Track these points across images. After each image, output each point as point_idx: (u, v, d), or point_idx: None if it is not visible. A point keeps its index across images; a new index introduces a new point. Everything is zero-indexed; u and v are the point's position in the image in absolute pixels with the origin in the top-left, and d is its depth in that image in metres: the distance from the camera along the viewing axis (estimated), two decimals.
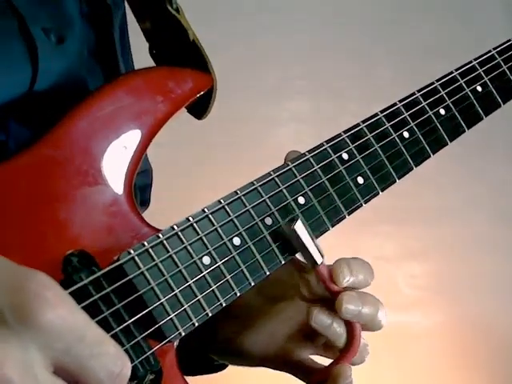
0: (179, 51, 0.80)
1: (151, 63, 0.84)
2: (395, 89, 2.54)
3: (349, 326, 0.78)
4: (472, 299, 2.43)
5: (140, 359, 0.64)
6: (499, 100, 0.96)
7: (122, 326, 0.63)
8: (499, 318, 2.44)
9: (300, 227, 0.73)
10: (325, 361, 0.82)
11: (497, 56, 0.98)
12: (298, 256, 0.76)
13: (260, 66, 2.26)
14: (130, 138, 0.71)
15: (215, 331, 0.86)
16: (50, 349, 0.49)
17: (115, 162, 0.70)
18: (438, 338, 2.42)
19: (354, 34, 2.36)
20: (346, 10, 2.38)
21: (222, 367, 0.92)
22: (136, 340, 0.64)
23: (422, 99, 0.89)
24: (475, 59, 0.96)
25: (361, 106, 2.31)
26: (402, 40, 2.40)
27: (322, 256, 0.75)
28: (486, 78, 0.95)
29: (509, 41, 1.01)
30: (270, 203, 0.74)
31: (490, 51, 0.98)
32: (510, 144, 2.29)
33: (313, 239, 0.74)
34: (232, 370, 0.92)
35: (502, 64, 0.98)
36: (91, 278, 0.63)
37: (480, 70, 0.95)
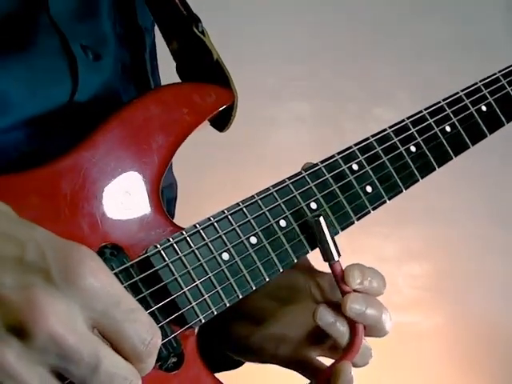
0: (204, 69, 0.88)
1: (177, 81, 0.91)
2: (395, 89, 2.58)
3: (352, 326, 0.83)
4: (472, 299, 2.45)
5: (164, 341, 0.71)
6: (503, 119, 1.02)
7: (148, 311, 0.70)
8: (500, 318, 2.46)
9: (323, 222, 0.81)
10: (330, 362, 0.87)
11: (502, 78, 1.04)
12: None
13: (260, 66, 2.30)
14: (158, 145, 0.79)
15: (231, 330, 0.92)
16: (90, 309, 0.56)
17: (145, 166, 0.77)
18: (438, 338, 2.45)
19: (354, 35, 2.40)
20: (346, 10, 2.41)
21: (239, 364, 0.98)
22: (160, 324, 0.71)
23: (429, 117, 0.95)
24: (480, 81, 1.02)
25: (361, 106, 2.34)
26: (402, 40, 2.43)
27: (339, 254, 0.82)
28: (490, 99, 1.01)
29: None
30: (284, 207, 0.81)
31: (495, 74, 1.04)
32: (508, 145, 2.31)
33: (333, 237, 0.82)
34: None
35: (507, 86, 1.04)
36: (121, 267, 0.71)
37: (485, 91, 1.01)
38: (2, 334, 0.54)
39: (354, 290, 0.83)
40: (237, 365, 0.99)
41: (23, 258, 0.56)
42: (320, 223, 0.80)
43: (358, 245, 2.11)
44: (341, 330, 0.83)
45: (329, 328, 0.83)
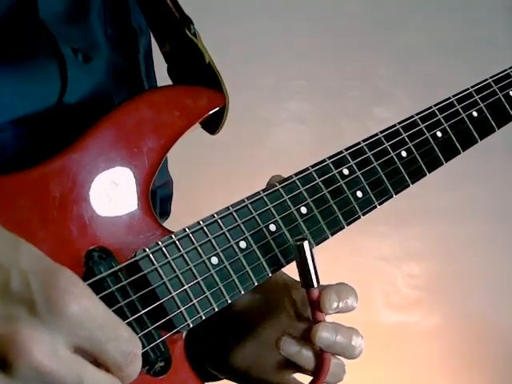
0: (196, 72, 0.88)
1: (170, 82, 0.91)
2: (395, 89, 2.57)
3: (320, 356, 0.81)
4: (471, 299, 2.45)
5: (151, 346, 0.71)
6: (494, 125, 1.02)
7: (135, 316, 0.70)
8: (498, 318, 2.46)
9: (307, 247, 0.78)
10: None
11: (493, 84, 1.04)
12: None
13: (260, 66, 2.29)
14: (149, 148, 0.78)
15: (211, 348, 0.92)
16: (74, 335, 0.58)
17: (135, 169, 0.77)
18: (437, 338, 2.45)
19: (354, 34, 2.39)
20: (345, 10, 2.41)
21: (217, 378, 0.97)
22: (148, 329, 0.71)
23: (420, 122, 0.95)
24: (472, 86, 1.02)
25: (360, 106, 2.34)
26: (401, 40, 2.43)
27: (318, 282, 0.80)
28: (481, 104, 1.01)
29: (505, 70, 1.07)
30: (274, 211, 0.81)
31: (486, 79, 1.04)
32: (508, 144, 2.31)
33: (314, 263, 0.79)
34: None
35: (498, 92, 1.04)
36: (110, 271, 0.70)
37: (476, 97, 1.01)
38: None
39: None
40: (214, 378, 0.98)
41: (7, 288, 0.56)
42: (303, 248, 0.78)
43: (357, 244, 2.12)
44: (306, 356, 0.81)
45: (293, 357, 0.82)
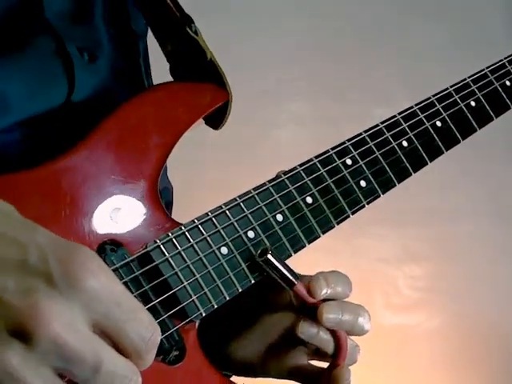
0: (198, 69, 0.89)
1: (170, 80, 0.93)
2: (395, 89, 2.57)
3: (334, 334, 0.83)
4: (472, 300, 2.46)
5: (165, 335, 0.72)
6: (492, 114, 1.04)
7: (149, 305, 0.71)
8: (499, 319, 2.47)
9: (271, 257, 0.79)
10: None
11: (489, 74, 1.06)
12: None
13: (259, 66, 2.30)
14: (155, 143, 0.80)
15: (220, 346, 0.91)
16: (92, 310, 0.57)
17: (142, 164, 0.79)
18: (438, 339, 2.45)
19: (354, 35, 2.41)
20: (345, 10, 2.42)
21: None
22: (162, 318, 0.72)
23: (419, 112, 0.97)
24: (469, 77, 1.04)
25: (360, 107, 2.35)
26: (401, 41, 2.45)
27: (297, 277, 0.81)
28: (479, 94, 1.03)
29: (501, 61, 1.09)
30: (280, 201, 0.83)
31: (482, 70, 1.06)
32: (509, 144, 2.32)
33: (285, 264, 0.80)
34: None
35: (494, 81, 1.06)
36: (122, 262, 0.72)
37: (474, 87, 1.03)
38: (4, 337, 0.54)
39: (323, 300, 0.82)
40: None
41: (25, 262, 0.56)
42: (270, 261, 0.78)
43: (358, 246, 2.13)
44: (325, 338, 0.83)
45: (313, 340, 0.83)
